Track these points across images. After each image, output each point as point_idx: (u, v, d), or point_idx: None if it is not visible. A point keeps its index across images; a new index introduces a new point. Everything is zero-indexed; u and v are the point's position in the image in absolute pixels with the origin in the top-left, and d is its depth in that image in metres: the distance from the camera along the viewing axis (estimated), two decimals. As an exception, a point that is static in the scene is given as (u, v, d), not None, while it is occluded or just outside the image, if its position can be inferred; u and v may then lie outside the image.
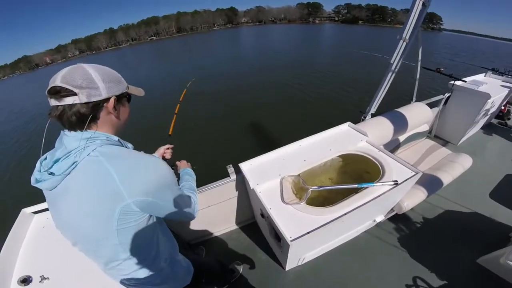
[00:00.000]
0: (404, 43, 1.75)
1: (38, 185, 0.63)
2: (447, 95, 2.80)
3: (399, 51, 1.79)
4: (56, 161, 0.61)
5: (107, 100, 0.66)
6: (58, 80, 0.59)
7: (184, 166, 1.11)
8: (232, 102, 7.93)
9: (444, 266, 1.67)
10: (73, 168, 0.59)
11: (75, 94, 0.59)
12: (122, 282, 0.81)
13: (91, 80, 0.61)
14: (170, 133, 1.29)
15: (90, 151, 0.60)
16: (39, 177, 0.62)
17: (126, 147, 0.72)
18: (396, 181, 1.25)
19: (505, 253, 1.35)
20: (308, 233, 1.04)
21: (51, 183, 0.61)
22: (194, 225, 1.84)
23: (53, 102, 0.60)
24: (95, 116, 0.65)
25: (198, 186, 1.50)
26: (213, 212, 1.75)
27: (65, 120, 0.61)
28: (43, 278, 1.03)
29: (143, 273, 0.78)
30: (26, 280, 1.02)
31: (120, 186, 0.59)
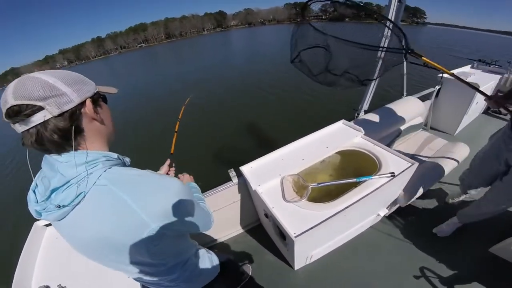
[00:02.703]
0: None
1: (42, 218, 0.56)
2: (437, 87, 2.87)
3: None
4: (54, 190, 0.53)
5: (82, 105, 0.56)
6: (9, 98, 0.47)
7: (188, 180, 1.09)
8: (223, 110, 7.88)
9: (453, 256, 1.67)
10: (82, 199, 0.54)
11: (41, 108, 0.48)
12: (151, 284, 0.81)
13: (52, 87, 0.50)
14: (172, 151, 1.27)
15: (96, 179, 0.54)
16: (39, 209, 0.55)
17: (124, 162, 0.67)
18: (393, 173, 1.29)
19: None
20: (311, 228, 1.07)
21: (59, 215, 0.54)
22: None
23: (18, 127, 0.49)
24: (79, 128, 0.55)
25: (201, 192, 1.52)
26: (218, 217, 1.74)
27: (46, 143, 0.51)
28: (60, 287, 1.07)
29: (176, 275, 0.80)
30: None
31: (141, 215, 0.55)
